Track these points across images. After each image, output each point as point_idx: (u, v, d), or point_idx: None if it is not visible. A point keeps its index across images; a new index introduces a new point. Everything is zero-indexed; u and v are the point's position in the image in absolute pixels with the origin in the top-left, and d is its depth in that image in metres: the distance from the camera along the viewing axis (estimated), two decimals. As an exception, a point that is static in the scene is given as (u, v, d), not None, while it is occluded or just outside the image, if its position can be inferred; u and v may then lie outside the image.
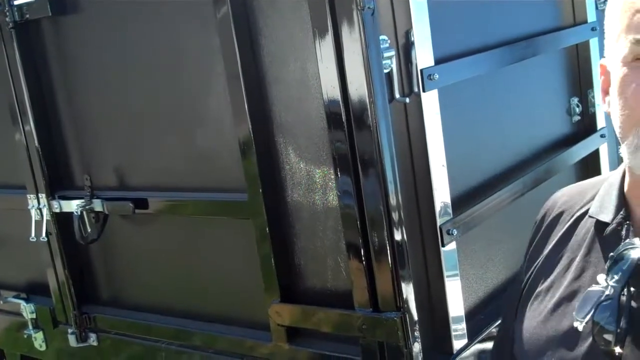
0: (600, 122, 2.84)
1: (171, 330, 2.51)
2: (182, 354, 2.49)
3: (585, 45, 2.77)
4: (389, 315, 1.92)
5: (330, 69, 1.84)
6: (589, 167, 2.84)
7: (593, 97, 2.81)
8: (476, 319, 2.20)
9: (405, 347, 1.92)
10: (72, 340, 2.75)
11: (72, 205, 2.58)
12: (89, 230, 2.59)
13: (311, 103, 1.95)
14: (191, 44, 2.18)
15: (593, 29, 2.75)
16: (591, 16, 2.75)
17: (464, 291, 2.12)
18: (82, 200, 2.56)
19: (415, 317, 1.94)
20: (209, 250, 2.38)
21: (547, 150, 2.62)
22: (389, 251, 1.89)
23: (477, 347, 2.14)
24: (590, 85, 2.80)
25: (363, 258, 1.93)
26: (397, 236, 1.90)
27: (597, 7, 2.82)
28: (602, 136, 2.83)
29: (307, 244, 2.10)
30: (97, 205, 2.54)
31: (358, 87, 1.82)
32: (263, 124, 2.06)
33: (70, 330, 2.76)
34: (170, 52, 2.24)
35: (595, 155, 2.83)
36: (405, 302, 1.93)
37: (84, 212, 2.56)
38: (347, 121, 1.86)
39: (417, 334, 1.94)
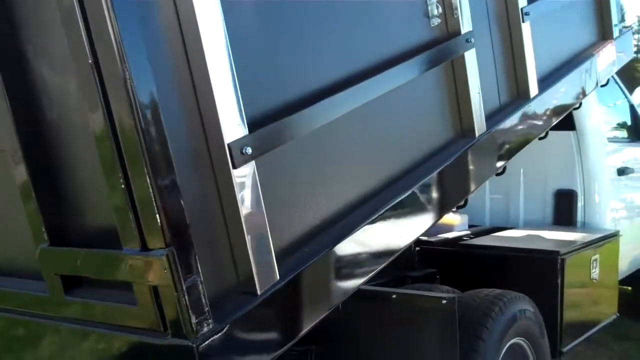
0: (466, 27, 2.48)
1: None
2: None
3: None
4: (155, 254, 1.57)
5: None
6: (455, 73, 2.49)
7: (457, -1, 2.45)
8: (286, 256, 1.86)
9: (176, 290, 1.57)
10: None
11: None
12: None
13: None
14: None
15: None
16: None
17: (270, 224, 1.77)
18: None
19: (193, 254, 1.60)
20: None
21: (394, 58, 2.26)
22: (148, 177, 1.54)
23: (288, 287, 1.81)
24: (452, -17, 2.44)
25: (124, 190, 1.58)
26: (159, 154, 1.55)
27: None
28: (467, 41, 2.48)
29: (70, 175, 1.75)
30: None
31: None
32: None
33: None
34: None
35: (460, 61, 2.48)
36: (177, 237, 1.58)
37: None
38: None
39: (196, 273, 1.60)
